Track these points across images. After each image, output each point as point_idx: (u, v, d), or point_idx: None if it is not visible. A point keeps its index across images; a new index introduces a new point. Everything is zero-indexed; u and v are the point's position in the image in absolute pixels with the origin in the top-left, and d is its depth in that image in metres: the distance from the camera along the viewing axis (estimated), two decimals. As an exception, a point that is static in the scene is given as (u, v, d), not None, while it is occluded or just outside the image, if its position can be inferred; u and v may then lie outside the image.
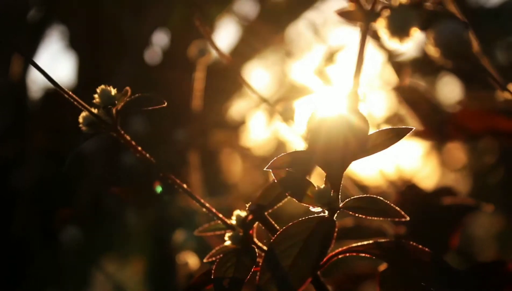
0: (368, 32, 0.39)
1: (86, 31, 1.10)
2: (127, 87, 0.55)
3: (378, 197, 0.46)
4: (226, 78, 1.12)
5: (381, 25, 0.37)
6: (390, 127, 0.48)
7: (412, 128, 0.46)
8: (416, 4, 0.38)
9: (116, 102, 0.54)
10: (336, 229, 0.45)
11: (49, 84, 1.22)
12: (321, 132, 0.50)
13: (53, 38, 1.20)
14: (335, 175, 0.48)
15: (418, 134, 0.82)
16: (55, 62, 1.25)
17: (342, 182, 0.48)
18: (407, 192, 0.73)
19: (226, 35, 1.41)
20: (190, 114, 0.83)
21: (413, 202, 0.71)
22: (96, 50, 1.12)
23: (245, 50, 1.27)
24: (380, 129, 0.49)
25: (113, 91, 0.54)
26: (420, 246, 0.52)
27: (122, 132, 0.54)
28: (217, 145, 0.90)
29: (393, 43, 0.37)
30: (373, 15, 0.38)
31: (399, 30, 0.37)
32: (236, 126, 0.99)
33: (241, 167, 0.97)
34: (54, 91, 1.20)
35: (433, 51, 0.37)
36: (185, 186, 0.55)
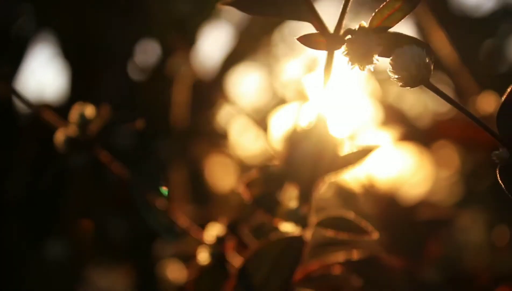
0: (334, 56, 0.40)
1: (74, 40, 1.11)
2: (105, 105, 0.56)
3: (349, 215, 0.47)
4: (211, 87, 1.13)
5: (343, 51, 0.38)
6: (359, 145, 0.49)
7: (380, 146, 0.47)
8: (378, 28, 0.39)
9: (93, 121, 0.55)
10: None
11: (40, 97, 1.22)
12: (292, 148, 0.51)
13: (42, 46, 1.21)
14: (306, 192, 0.49)
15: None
16: (45, 70, 1.25)
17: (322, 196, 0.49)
18: (387, 205, 0.74)
19: (216, 39, 1.42)
20: (174, 125, 0.84)
21: (392, 215, 0.72)
22: (85, 59, 1.13)
23: (234, 54, 1.28)
24: (351, 147, 0.50)
25: (90, 110, 0.55)
26: (394, 261, 0.53)
27: (100, 151, 0.55)
28: (201, 155, 0.91)
29: (354, 69, 0.38)
30: (336, 41, 0.39)
31: (360, 56, 0.38)
32: (221, 136, 1.00)
33: (226, 176, 0.98)
34: (44, 105, 1.21)
35: (393, 76, 0.37)
36: (164, 201, 0.56)
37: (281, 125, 0.75)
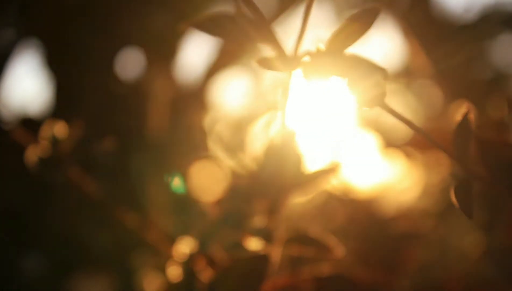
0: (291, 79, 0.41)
1: (58, 49, 1.12)
2: (78, 122, 0.56)
3: (316, 232, 0.48)
4: (193, 97, 1.14)
5: (300, 73, 0.39)
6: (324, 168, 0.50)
7: (341, 163, 0.48)
8: (335, 50, 0.40)
9: (65, 138, 0.55)
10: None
11: (22, 107, 1.22)
12: (260, 163, 0.52)
13: (26, 56, 1.22)
14: (274, 207, 0.49)
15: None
16: (28, 79, 1.26)
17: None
18: (365, 216, 0.75)
19: (199, 47, 1.42)
20: (153, 137, 0.84)
21: (369, 226, 0.73)
22: (69, 68, 1.13)
23: (217, 61, 1.29)
24: (317, 166, 0.51)
25: (62, 127, 0.55)
26: (365, 276, 0.53)
27: (72, 168, 0.55)
28: (181, 167, 0.92)
29: (310, 93, 0.38)
30: (293, 63, 0.40)
31: (317, 78, 0.38)
32: (202, 147, 1.00)
33: (206, 188, 0.98)
34: (26, 116, 1.21)
35: (349, 98, 0.38)
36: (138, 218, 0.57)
37: (255, 138, 0.75)
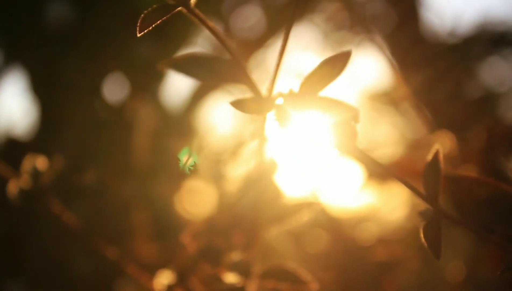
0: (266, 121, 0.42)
1: (43, 75, 1.13)
2: (58, 156, 0.57)
3: (290, 267, 0.49)
4: (177, 124, 1.14)
5: (273, 115, 0.40)
6: (302, 201, 0.51)
7: (319, 203, 0.49)
8: (307, 93, 0.41)
9: (46, 172, 0.56)
10: None
11: (8, 130, 1.22)
12: (238, 197, 0.53)
13: (12, 80, 1.22)
14: (249, 241, 0.50)
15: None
16: (15, 103, 1.26)
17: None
18: (344, 243, 0.76)
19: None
20: (136, 165, 0.85)
21: (348, 254, 0.74)
22: (54, 93, 1.14)
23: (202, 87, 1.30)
24: (292, 202, 0.51)
25: (42, 162, 0.56)
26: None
27: (52, 200, 0.56)
28: (165, 195, 0.92)
29: (285, 133, 0.39)
30: (266, 105, 0.41)
31: (287, 121, 0.39)
32: (186, 175, 1.00)
33: (189, 216, 0.98)
34: (10, 140, 1.21)
35: (322, 141, 0.39)
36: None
37: (235, 171, 0.76)
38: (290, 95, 0.40)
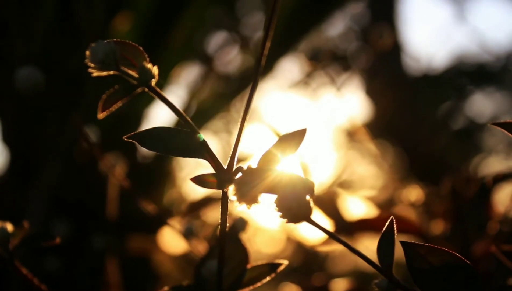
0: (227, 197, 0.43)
1: (17, 127, 1.13)
2: (25, 222, 0.57)
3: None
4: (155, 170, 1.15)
5: (231, 191, 0.41)
6: (265, 263, 0.52)
7: (282, 264, 0.50)
8: (265, 168, 0.42)
9: (13, 237, 0.56)
10: None
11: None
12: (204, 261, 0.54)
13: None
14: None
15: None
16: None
17: None
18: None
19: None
20: (110, 216, 0.85)
21: None
22: (28, 146, 1.15)
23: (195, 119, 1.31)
24: (256, 263, 0.52)
25: (9, 227, 0.56)
26: None
27: (19, 266, 0.56)
28: (136, 250, 0.92)
29: (241, 207, 0.40)
30: (226, 180, 0.42)
31: (246, 196, 0.40)
32: (161, 224, 1.01)
33: (163, 269, 0.99)
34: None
35: (277, 214, 0.40)
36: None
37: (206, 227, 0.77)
38: (249, 170, 0.41)
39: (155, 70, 0.42)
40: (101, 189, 0.89)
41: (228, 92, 1.46)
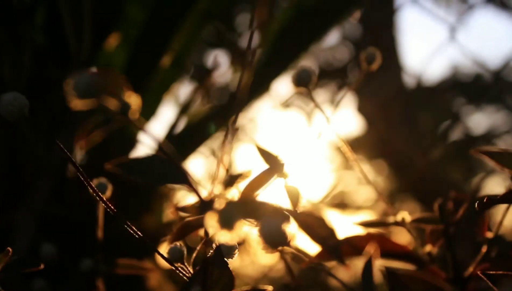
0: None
1: (5, 151, 1.13)
2: (8, 248, 0.57)
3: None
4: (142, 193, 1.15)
5: (211, 219, 0.41)
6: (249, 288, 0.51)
7: (266, 290, 0.50)
8: (246, 198, 0.42)
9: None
10: None
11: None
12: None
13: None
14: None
15: (317, 257, 0.85)
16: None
17: None
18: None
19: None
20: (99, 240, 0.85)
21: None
22: (16, 168, 1.14)
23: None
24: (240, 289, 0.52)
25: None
26: None
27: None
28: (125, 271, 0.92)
29: (223, 235, 0.41)
30: (207, 207, 0.42)
31: (227, 225, 0.41)
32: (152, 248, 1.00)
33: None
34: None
35: (259, 241, 0.40)
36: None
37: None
38: (229, 202, 0.41)
39: (137, 101, 0.42)
40: (91, 210, 0.88)
41: (222, 111, 1.47)
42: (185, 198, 1.18)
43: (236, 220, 0.41)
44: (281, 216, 0.40)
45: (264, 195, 0.43)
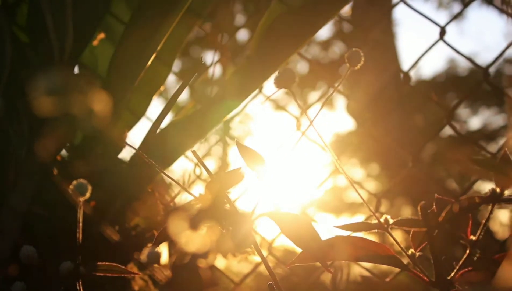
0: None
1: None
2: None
3: None
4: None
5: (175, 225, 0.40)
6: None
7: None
8: (216, 203, 0.41)
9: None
10: None
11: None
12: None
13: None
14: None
15: (303, 259, 0.84)
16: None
17: None
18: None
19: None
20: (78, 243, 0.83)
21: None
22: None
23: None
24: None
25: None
26: None
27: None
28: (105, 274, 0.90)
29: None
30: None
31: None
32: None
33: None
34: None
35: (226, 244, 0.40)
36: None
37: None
38: (199, 208, 0.40)
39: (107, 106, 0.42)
40: (73, 212, 0.87)
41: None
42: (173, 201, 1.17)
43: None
44: (247, 220, 0.40)
45: (234, 194, 0.42)
